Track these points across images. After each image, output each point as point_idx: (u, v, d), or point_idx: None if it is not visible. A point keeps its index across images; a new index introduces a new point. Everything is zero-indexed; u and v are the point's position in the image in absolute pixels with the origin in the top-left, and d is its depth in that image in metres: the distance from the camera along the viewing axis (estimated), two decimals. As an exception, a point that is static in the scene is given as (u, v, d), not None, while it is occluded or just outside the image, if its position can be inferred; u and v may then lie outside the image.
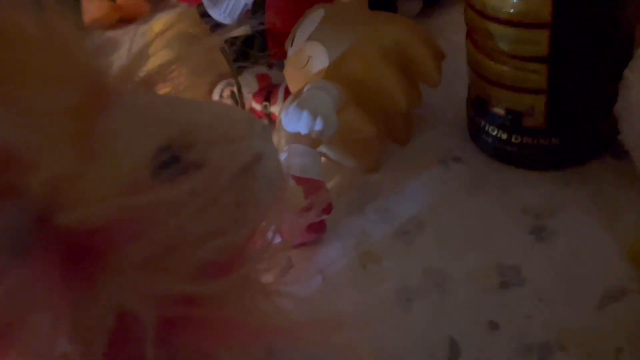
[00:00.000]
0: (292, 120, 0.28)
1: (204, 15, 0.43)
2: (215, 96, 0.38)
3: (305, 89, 0.31)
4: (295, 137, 0.29)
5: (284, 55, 0.38)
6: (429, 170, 0.37)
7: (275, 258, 0.16)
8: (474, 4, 0.30)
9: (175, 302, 0.15)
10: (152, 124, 0.15)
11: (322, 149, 0.33)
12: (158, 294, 0.14)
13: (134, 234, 0.14)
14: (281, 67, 0.38)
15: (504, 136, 0.34)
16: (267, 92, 0.40)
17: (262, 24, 0.39)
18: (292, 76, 0.35)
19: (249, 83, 0.39)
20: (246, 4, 0.39)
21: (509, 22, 0.29)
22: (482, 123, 0.35)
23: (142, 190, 0.14)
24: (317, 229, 0.32)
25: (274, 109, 0.39)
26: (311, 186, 0.29)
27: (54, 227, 0.13)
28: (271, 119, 0.39)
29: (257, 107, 0.40)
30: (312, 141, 0.30)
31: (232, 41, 0.38)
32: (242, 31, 0.40)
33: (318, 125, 0.28)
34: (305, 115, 0.28)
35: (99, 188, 0.13)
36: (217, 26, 0.42)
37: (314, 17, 0.34)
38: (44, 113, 0.14)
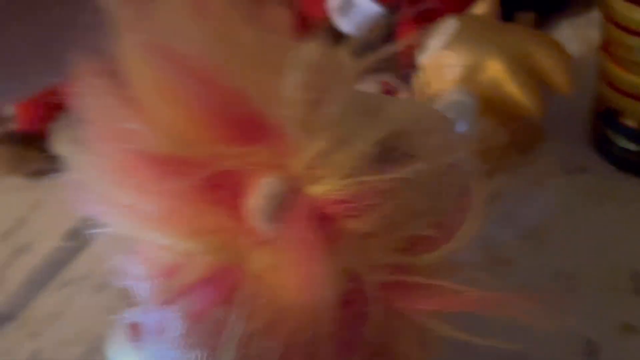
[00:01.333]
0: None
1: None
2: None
3: (443, 96, 0.34)
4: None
5: (410, 63, 0.40)
6: (554, 179, 0.38)
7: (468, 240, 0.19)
8: (615, 17, 0.32)
9: (393, 270, 0.17)
10: (375, 117, 0.18)
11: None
12: (380, 261, 0.17)
13: (365, 208, 0.16)
14: (403, 74, 0.41)
15: (634, 148, 0.35)
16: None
17: (391, 34, 0.42)
18: (424, 82, 0.37)
19: (373, 89, 0.42)
20: (375, 16, 0.42)
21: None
22: (610, 134, 0.36)
23: (372, 172, 0.16)
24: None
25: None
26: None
27: (306, 197, 0.16)
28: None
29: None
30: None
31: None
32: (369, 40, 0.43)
33: (462, 129, 0.31)
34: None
35: (340, 168, 0.16)
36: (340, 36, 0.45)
37: (448, 28, 0.37)
38: (301, 105, 0.17)
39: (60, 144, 0.22)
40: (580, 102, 0.39)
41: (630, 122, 0.34)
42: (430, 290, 0.17)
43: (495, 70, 0.36)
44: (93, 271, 0.40)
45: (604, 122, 0.37)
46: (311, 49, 0.24)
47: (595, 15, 0.35)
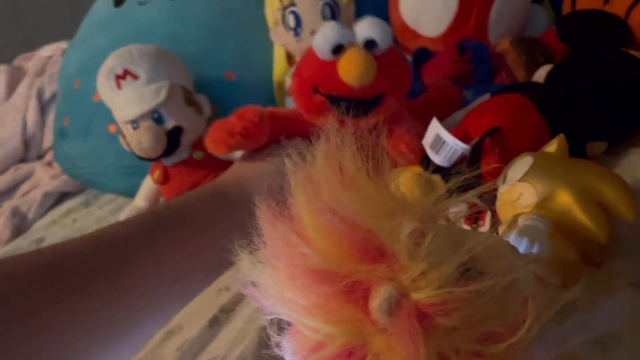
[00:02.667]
0: (514, 243, 0.38)
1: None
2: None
3: (520, 220, 0.41)
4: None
5: (493, 191, 0.48)
6: (621, 291, 0.43)
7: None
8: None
9: (471, 355, 0.25)
10: (457, 245, 0.26)
11: (533, 267, 0.41)
12: (462, 348, 0.25)
13: (452, 310, 0.25)
14: (487, 199, 0.49)
15: (694, 267, 0.40)
16: (476, 217, 0.50)
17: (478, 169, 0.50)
18: (504, 207, 0.45)
19: (462, 210, 0.50)
20: (462, 152, 0.51)
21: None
22: (672, 254, 0.41)
23: (457, 285, 0.25)
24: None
25: (482, 229, 0.49)
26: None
27: (412, 301, 0.25)
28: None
29: (467, 227, 0.50)
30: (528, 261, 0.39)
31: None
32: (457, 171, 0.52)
33: (535, 250, 0.38)
34: (525, 241, 0.38)
35: (435, 282, 0.25)
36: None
37: (525, 163, 0.45)
38: (404, 237, 0.26)
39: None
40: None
41: (688, 245, 0.40)
42: None
43: (565, 200, 0.43)
44: (230, 351, 0.49)
45: (665, 243, 0.42)
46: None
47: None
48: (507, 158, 0.48)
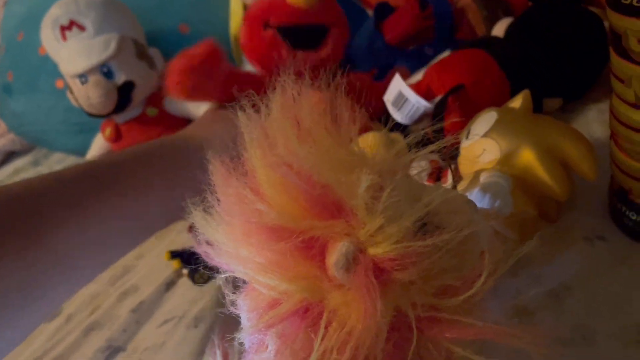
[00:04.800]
0: (476, 201, 0.38)
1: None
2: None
3: (482, 176, 0.41)
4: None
5: (455, 147, 0.48)
6: (575, 245, 0.44)
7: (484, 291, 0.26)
8: (619, 116, 0.39)
9: (427, 308, 0.25)
10: (415, 199, 0.26)
11: (491, 222, 0.42)
12: (418, 302, 0.24)
13: (409, 264, 0.24)
14: (449, 156, 0.48)
15: (643, 221, 0.41)
16: (438, 174, 0.50)
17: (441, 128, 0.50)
18: (466, 163, 0.45)
19: (424, 167, 0.50)
20: (425, 110, 0.50)
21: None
22: (623, 209, 0.42)
23: (414, 239, 0.24)
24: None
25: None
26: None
27: (369, 256, 0.24)
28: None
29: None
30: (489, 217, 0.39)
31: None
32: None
33: (497, 206, 0.38)
34: (487, 197, 0.38)
35: (393, 237, 0.24)
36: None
37: (489, 118, 0.44)
38: (362, 191, 0.25)
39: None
40: (600, 177, 0.46)
41: (638, 200, 0.41)
42: (454, 323, 0.25)
43: (528, 157, 0.43)
44: (188, 311, 0.48)
45: (617, 198, 0.43)
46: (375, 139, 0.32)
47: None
48: (469, 115, 0.48)
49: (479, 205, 0.40)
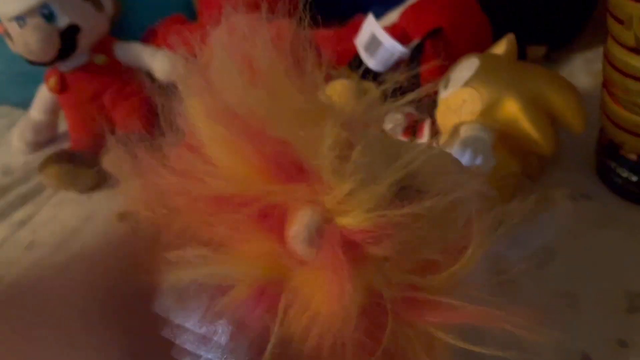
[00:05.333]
0: (457, 156, 0.34)
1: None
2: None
3: (463, 129, 0.37)
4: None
5: (433, 97, 0.44)
6: (560, 205, 0.41)
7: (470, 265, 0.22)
8: (614, 61, 0.35)
9: (406, 288, 0.21)
10: (391, 158, 0.22)
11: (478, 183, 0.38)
12: (396, 280, 0.21)
13: (384, 236, 0.20)
14: (426, 107, 0.44)
15: (634, 179, 0.38)
16: (414, 128, 0.46)
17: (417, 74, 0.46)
18: (445, 115, 0.41)
19: (399, 120, 0.46)
20: (400, 56, 0.46)
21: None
22: (613, 165, 0.39)
23: (390, 207, 0.20)
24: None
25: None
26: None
27: (337, 227, 0.20)
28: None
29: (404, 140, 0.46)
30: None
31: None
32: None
33: (478, 162, 0.34)
34: (468, 152, 0.34)
35: (364, 204, 0.20)
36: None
37: (470, 65, 0.40)
38: (327, 148, 0.21)
39: (111, 162, 0.26)
40: (587, 132, 0.42)
41: (630, 155, 0.38)
42: (436, 305, 0.21)
43: (512, 108, 0.39)
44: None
45: (607, 153, 0.40)
46: (342, 87, 0.28)
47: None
48: (448, 62, 0.43)
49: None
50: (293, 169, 0.20)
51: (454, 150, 0.36)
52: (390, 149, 0.23)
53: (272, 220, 0.20)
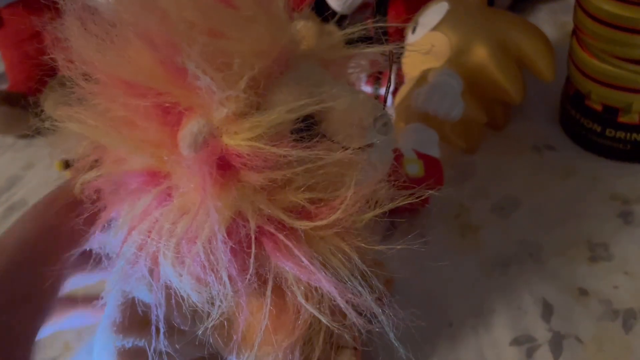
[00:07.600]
0: (423, 103, 0.33)
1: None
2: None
3: (431, 75, 0.36)
4: (421, 117, 0.33)
5: (400, 41, 0.42)
6: (522, 155, 0.40)
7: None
8: (586, 6, 0.34)
9: (274, 223, 0.20)
10: (305, 94, 0.20)
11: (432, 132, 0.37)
12: (264, 212, 0.20)
13: (263, 167, 0.20)
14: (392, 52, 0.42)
15: (598, 129, 0.38)
16: (377, 76, 0.44)
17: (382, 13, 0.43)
18: (413, 61, 0.39)
19: (364, 66, 0.44)
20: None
21: (618, 27, 0.33)
22: (578, 115, 0.39)
23: (281, 141, 0.20)
24: (423, 201, 0.36)
25: (384, 90, 0.43)
26: (429, 161, 0.33)
27: (218, 143, 0.19)
28: (378, 99, 0.44)
29: (368, 89, 0.44)
30: (435, 122, 0.34)
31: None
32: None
33: (446, 109, 0.33)
34: (436, 99, 0.33)
35: (255, 128, 0.19)
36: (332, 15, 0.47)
37: (439, 10, 0.38)
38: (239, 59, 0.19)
39: (50, 103, 0.25)
40: (552, 82, 0.42)
41: (595, 105, 0.37)
42: (292, 255, 0.20)
43: (481, 55, 0.38)
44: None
45: (572, 104, 0.39)
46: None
47: (570, 1, 0.37)
48: (417, 6, 0.41)
49: (426, 108, 0.35)
50: (194, 77, 0.19)
51: (423, 96, 0.34)
52: (317, 78, 0.22)
53: (170, 117, 0.20)
